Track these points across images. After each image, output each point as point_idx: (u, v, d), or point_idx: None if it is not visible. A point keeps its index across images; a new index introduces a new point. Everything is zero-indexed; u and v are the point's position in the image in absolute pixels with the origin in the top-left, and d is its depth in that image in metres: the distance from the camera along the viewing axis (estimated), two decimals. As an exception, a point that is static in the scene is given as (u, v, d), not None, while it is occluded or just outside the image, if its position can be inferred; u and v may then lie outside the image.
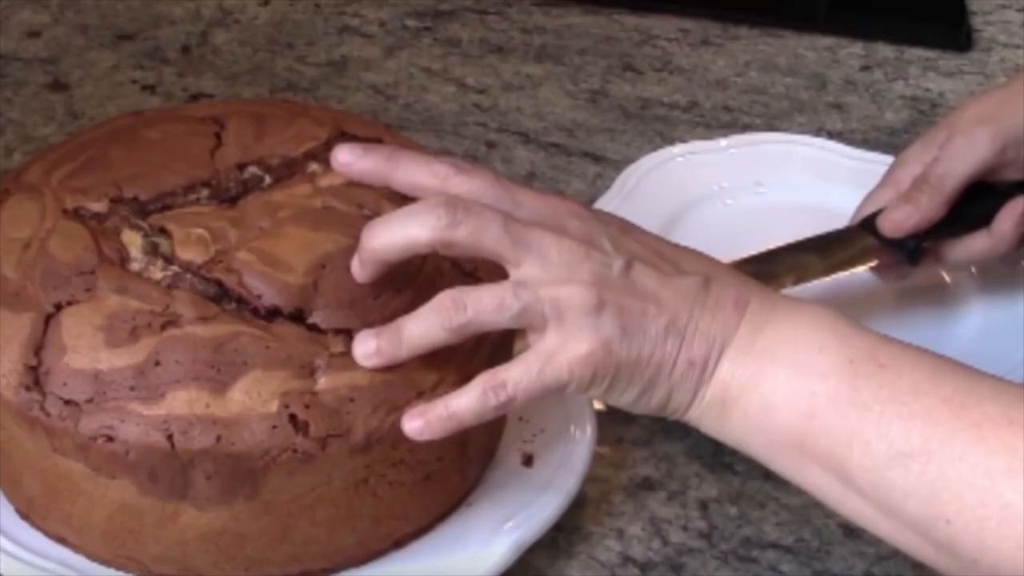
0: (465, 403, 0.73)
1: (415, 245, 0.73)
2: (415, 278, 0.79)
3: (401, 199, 0.78)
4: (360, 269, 0.76)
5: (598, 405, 0.91)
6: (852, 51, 1.32)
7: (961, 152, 0.92)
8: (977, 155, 0.92)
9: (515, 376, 0.73)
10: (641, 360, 0.72)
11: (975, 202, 0.93)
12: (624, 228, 0.75)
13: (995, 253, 0.91)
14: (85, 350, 0.75)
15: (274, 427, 0.73)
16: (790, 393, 0.70)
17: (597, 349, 0.71)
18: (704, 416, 0.73)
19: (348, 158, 0.76)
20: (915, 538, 0.69)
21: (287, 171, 0.85)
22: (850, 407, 0.69)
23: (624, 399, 0.74)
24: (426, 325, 0.74)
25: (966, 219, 0.93)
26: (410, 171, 0.75)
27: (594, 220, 0.74)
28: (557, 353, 0.72)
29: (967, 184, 0.92)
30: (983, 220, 0.93)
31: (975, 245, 0.93)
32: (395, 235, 0.74)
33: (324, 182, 0.83)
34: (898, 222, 0.91)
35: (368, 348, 0.75)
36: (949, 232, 0.93)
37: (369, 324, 0.76)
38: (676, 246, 0.76)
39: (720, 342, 0.72)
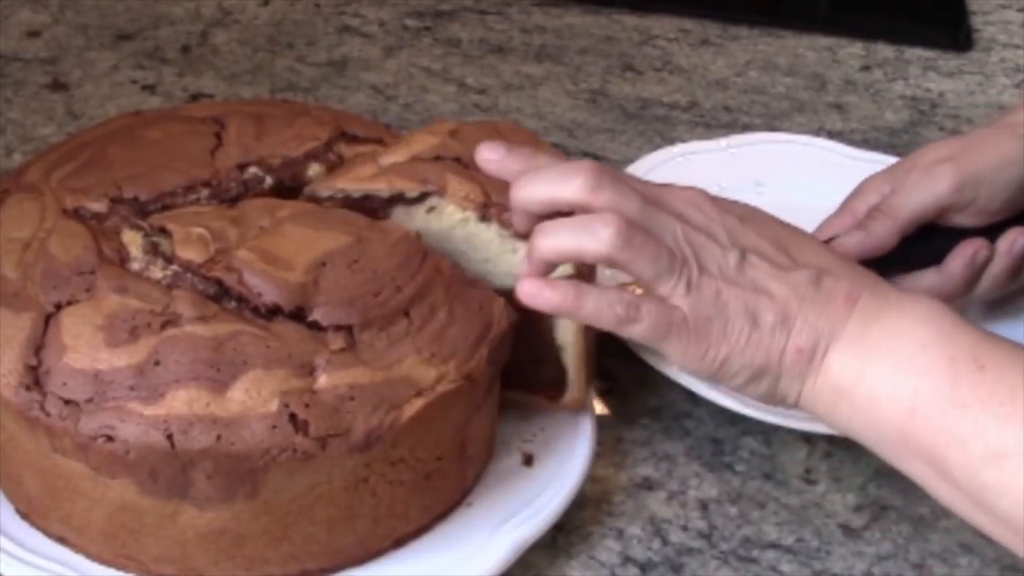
0: (596, 294, 0.75)
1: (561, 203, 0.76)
2: (415, 276, 0.79)
3: (471, 176, 0.80)
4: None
5: (598, 407, 0.91)
6: (852, 51, 1.32)
7: (919, 185, 0.93)
8: (934, 190, 0.92)
9: (649, 312, 0.74)
10: (750, 347, 0.74)
11: (928, 241, 0.93)
12: (744, 217, 0.77)
13: (943, 292, 0.91)
14: (85, 350, 0.75)
15: (274, 426, 0.73)
16: (893, 389, 0.72)
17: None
18: (816, 405, 0.76)
19: (491, 155, 0.79)
20: (1009, 534, 0.71)
21: (288, 171, 0.85)
22: (949, 406, 0.71)
23: (735, 383, 0.76)
24: (604, 306, 0.75)
25: (918, 256, 0.93)
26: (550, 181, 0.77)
27: (713, 210, 0.77)
28: None
29: (922, 218, 0.93)
30: (934, 260, 0.93)
31: (924, 281, 0.92)
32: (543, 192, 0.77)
33: (387, 160, 0.84)
34: (850, 248, 0.91)
35: (539, 289, 0.76)
36: (899, 267, 0.92)
37: (370, 321, 0.76)
38: (797, 233, 0.78)
39: (828, 335, 0.74)
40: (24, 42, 1.24)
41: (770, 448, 0.91)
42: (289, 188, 0.85)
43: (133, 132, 0.88)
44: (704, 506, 0.87)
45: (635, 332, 0.75)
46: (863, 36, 1.33)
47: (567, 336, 0.84)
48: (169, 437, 0.73)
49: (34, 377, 0.75)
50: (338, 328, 0.76)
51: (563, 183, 0.76)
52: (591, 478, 0.85)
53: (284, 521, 0.76)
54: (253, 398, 0.74)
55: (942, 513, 0.87)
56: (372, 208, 0.83)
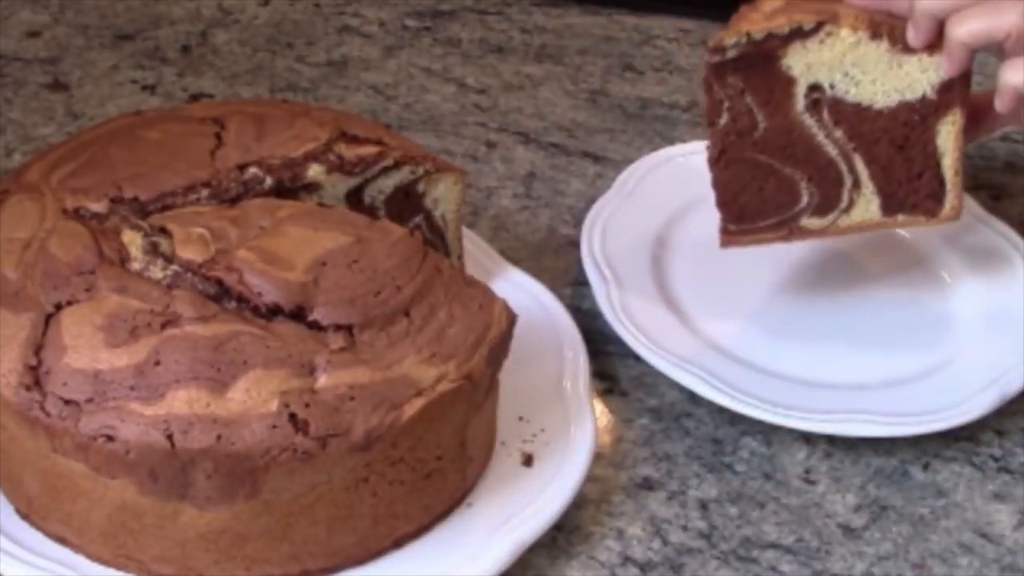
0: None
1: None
2: (415, 276, 0.79)
3: (850, 3, 0.89)
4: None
5: (598, 407, 0.91)
6: (852, 51, 1.32)
7: None
8: None
9: None
10: None
11: None
12: None
13: None
14: (85, 350, 0.75)
15: (274, 426, 0.73)
16: None
17: None
18: None
19: None
20: None
21: (288, 172, 0.85)
22: None
23: None
24: None
25: None
26: None
27: None
28: None
29: None
30: None
31: None
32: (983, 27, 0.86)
33: (767, 7, 0.90)
34: None
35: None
36: None
37: (370, 320, 0.77)
38: None
39: None
40: (24, 42, 1.24)
41: (770, 448, 0.91)
42: (289, 188, 0.85)
43: (133, 132, 0.88)
44: (704, 506, 0.87)
45: None
46: (863, 36, 1.33)
47: (947, 141, 0.90)
48: (169, 437, 0.73)
49: (34, 377, 0.75)
50: (338, 328, 0.76)
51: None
52: (591, 478, 0.85)
53: (284, 521, 0.76)
54: (253, 398, 0.74)
55: (942, 513, 0.87)
56: (771, 48, 0.89)
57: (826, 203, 0.93)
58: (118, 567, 0.78)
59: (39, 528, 0.79)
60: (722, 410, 0.91)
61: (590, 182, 1.11)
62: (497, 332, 0.80)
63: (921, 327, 0.98)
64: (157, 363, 0.74)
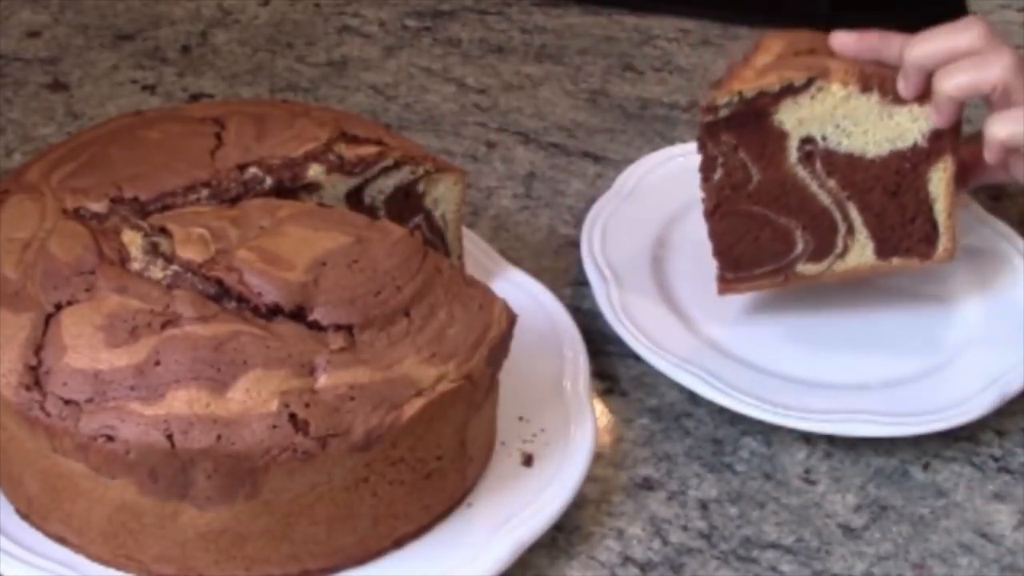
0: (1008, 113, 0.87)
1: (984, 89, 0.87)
2: (415, 276, 0.79)
3: (842, 58, 0.92)
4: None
5: (598, 407, 0.91)
6: (852, 51, 1.31)
7: None
8: None
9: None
10: None
11: None
12: None
13: None
14: (85, 350, 0.75)
15: (274, 426, 0.73)
16: None
17: None
18: None
19: (847, 39, 0.93)
20: None
21: (288, 172, 0.85)
22: None
23: None
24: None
25: None
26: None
27: None
28: None
29: None
30: None
31: None
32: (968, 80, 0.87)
33: (759, 62, 0.93)
34: None
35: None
36: None
37: (370, 320, 0.77)
38: None
39: None
40: (24, 42, 1.24)
41: (770, 448, 0.91)
42: (289, 188, 0.85)
43: (133, 132, 0.88)
44: (704, 506, 0.87)
45: None
46: (864, 36, 1.33)
47: (939, 187, 0.92)
48: (169, 437, 0.73)
49: (34, 377, 0.75)
50: (338, 328, 0.76)
51: (959, 34, 0.88)
52: (591, 478, 0.85)
53: (284, 521, 0.76)
54: (253, 398, 0.74)
55: (942, 513, 0.87)
56: (762, 105, 0.90)
57: (821, 250, 0.94)
58: (118, 567, 0.78)
59: (39, 528, 0.79)
60: (722, 410, 0.91)
61: (590, 182, 1.11)
62: (497, 332, 0.80)
63: (921, 327, 0.98)
64: (157, 363, 0.74)
